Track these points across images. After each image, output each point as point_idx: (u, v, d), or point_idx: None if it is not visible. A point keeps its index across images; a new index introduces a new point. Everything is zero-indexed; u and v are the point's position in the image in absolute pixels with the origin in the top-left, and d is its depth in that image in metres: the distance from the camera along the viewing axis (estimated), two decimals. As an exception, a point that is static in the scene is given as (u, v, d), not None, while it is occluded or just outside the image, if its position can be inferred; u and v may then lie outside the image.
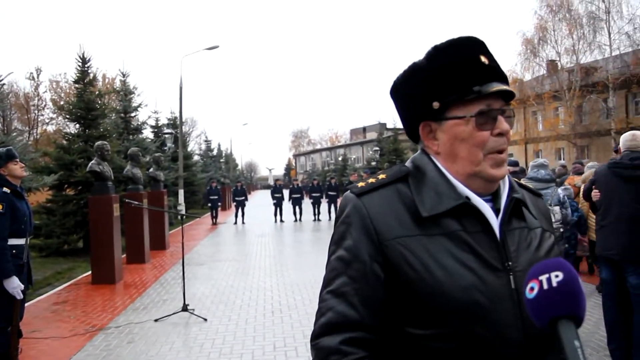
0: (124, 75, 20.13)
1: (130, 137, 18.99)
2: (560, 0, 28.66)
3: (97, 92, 14.91)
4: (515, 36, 69.30)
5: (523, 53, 30.41)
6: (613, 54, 27.34)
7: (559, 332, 0.81)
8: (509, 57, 51.15)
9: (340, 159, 58.70)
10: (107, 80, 28.59)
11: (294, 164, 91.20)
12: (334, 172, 43.21)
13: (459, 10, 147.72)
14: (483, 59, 1.14)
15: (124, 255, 10.99)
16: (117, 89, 20.35)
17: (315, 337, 1.13)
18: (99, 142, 9.90)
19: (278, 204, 21.98)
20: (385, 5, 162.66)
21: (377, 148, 40.01)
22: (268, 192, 28.87)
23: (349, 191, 1.20)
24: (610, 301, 4.64)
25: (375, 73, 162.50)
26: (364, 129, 70.99)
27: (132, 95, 20.66)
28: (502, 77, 1.16)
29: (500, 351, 1.06)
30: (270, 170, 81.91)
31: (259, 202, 38.40)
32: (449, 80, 1.13)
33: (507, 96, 1.17)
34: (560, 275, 0.82)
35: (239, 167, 79.39)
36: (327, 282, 1.16)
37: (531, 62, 30.47)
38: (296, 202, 22.28)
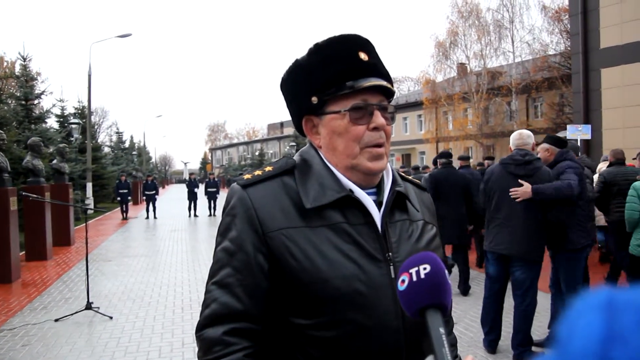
0: (24, 59, 18.87)
1: (32, 126, 17.82)
2: (471, 8, 30.13)
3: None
4: (429, 39, 72.50)
5: (436, 55, 31.66)
6: (516, 60, 29.17)
7: (426, 320, 0.85)
8: (423, 59, 53.12)
9: (257, 153, 58.41)
10: (5, 63, 26.47)
11: (210, 158, 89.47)
12: (250, 167, 42.96)
13: (379, 12, 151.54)
14: (362, 55, 1.17)
15: (23, 252, 10.30)
16: (17, 74, 18.98)
17: (199, 328, 1.13)
18: (-7, 131, 9.20)
19: (192, 198, 21.57)
20: (305, 3, 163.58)
21: (293, 143, 40.23)
22: (183, 186, 28.12)
23: (235, 183, 1.21)
24: (494, 296, 4.84)
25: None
26: (282, 124, 70.99)
27: (34, 82, 19.53)
28: (381, 74, 1.19)
29: (380, 338, 1.11)
30: (185, 164, 79.67)
31: (173, 196, 37.31)
32: (325, 75, 1.16)
33: (389, 92, 1.21)
34: (428, 267, 0.87)
35: (153, 160, 76.81)
36: (212, 273, 1.16)
37: (443, 65, 31.77)
38: (211, 196, 21.96)
